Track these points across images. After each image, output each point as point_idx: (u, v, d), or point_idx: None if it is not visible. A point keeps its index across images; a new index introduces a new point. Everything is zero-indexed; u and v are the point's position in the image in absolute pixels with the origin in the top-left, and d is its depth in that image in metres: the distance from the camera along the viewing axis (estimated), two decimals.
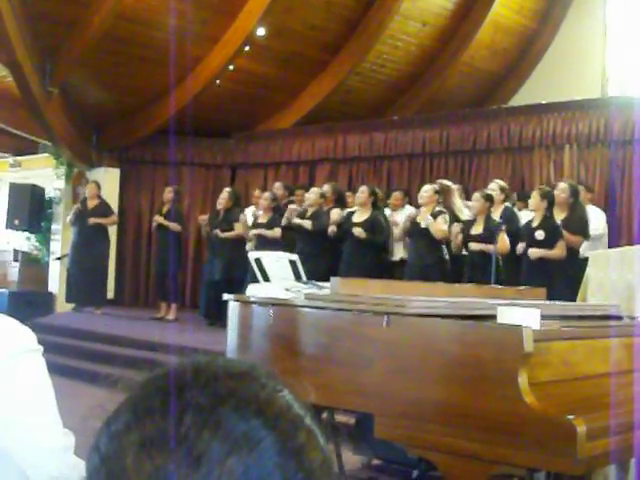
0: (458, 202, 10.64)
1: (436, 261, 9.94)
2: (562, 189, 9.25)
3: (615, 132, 11.44)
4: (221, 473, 0.78)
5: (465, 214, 10.23)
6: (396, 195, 11.92)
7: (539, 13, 16.49)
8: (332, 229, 10.79)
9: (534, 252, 8.81)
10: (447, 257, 10.05)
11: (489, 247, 9.03)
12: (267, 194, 11.96)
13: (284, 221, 11.34)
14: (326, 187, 11.88)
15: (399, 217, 11.13)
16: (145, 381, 0.87)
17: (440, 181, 10.88)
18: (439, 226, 9.83)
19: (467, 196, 11.71)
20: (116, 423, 0.84)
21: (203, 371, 0.86)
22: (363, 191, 10.72)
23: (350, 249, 10.60)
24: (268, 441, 0.80)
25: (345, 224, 10.74)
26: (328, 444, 0.88)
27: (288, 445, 0.82)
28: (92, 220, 13.10)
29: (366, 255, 10.46)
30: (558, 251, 8.77)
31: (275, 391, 0.87)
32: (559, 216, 9.14)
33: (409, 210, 11.33)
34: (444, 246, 10.00)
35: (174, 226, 12.77)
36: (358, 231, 10.45)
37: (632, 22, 16.17)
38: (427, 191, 10.18)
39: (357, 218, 10.63)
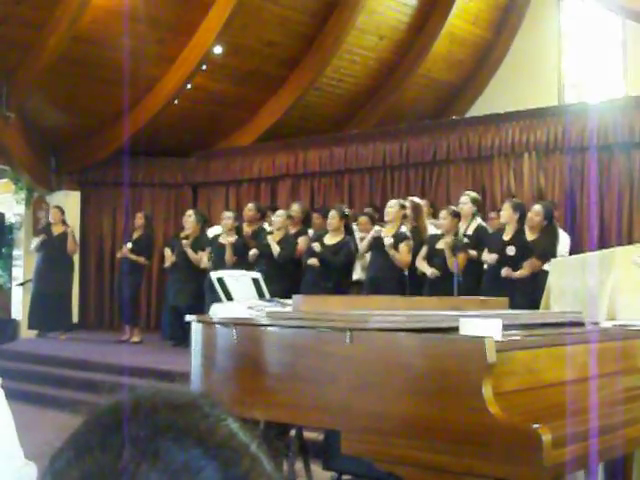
0: (424, 222, 10.59)
1: (395, 276, 9.88)
2: (536, 212, 9.17)
3: (572, 139, 11.53)
4: None
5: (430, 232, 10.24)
6: (362, 220, 11.65)
7: (494, 23, 16.63)
8: (313, 262, 10.62)
9: (507, 273, 8.78)
10: (406, 272, 10.01)
11: (450, 261, 9.07)
12: (229, 214, 11.84)
13: (251, 257, 11.19)
14: (295, 207, 11.82)
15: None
16: (88, 417, 0.86)
17: (411, 199, 10.84)
18: (404, 257, 9.78)
19: (434, 210, 11.70)
20: (59, 461, 0.83)
21: (143, 404, 0.85)
22: (333, 216, 10.55)
23: (313, 271, 10.51)
24: (209, 470, 0.79)
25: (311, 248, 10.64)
26: (276, 470, 0.87)
27: (231, 473, 0.80)
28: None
29: (329, 277, 10.37)
30: (525, 272, 8.77)
31: (218, 420, 0.86)
32: (530, 236, 9.12)
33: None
34: None
35: (142, 261, 12.74)
36: (312, 262, 10.40)
37: (586, 29, 16.34)
38: (393, 207, 10.09)
39: (328, 240, 10.52)
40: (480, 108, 16.13)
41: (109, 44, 12.66)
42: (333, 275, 10.43)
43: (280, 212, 11.59)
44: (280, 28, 14.25)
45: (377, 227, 10.57)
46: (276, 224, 11.26)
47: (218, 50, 13.68)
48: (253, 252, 11.12)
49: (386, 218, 10.18)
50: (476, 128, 12.69)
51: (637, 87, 14.01)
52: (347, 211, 11.03)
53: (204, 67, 13.82)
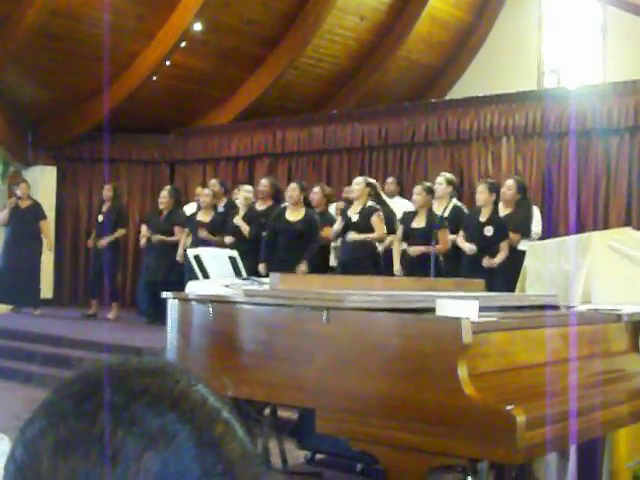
0: (384, 200, 10.47)
1: (369, 255, 9.74)
2: (509, 186, 9.23)
3: (551, 124, 11.56)
4: (138, 469, 0.77)
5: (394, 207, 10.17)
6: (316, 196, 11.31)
7: (475, 6, 16.61)
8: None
9: (488, 262, 8.72)
10: (380, 250, 9.89)
11: (429, 248, 8.86)
12: (207, 191, 11.80)
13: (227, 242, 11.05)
14: (264, 181, 11.71)
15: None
16: (58, 386, 0.86)
17: (366, 178, 10.63)
18: (379, 229, 9.65)
19: (402, 188, 11.80)
20: (30, 430, 0.83)
21: (115, 371, 0.86)
22: (294, 189, 10.34)
23: (284, 246, 10.34)
24: (184, 434, 0.80)
25: (277, 222, 10.45)
26: (248, 437, 0.88)
27: (205, 437, 0.81)
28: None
29: (302, 252, 10.24)
30: (503, 255, 8.76)
31: (190, 385, 0.86)
32: (504, 211, 9.15)
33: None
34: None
35: (119, 232, 12.71)
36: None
37: (567, 14, 16.36)
38: (359, 184, 9.91)
39: (290, 216, 10.28)
40: (460, 91, 16.14)
41: (88, 19, 12.56)
42: (304, 248, 10.32)
43: (247, 188, 11.50)
44: (261, 6, 14.18)
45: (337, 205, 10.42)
46: (241, 200, 11.20)
47: (198, 27, 13.60)
48: (229, 239, 11.03)
49: (351, 195, 10.08)
50: (455, 111, 12.69)
51: (616, 73, 14.05)
52: (305, 185, 10.87)
53: (183, 44, 13.73)
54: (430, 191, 9.57)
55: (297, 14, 14.66)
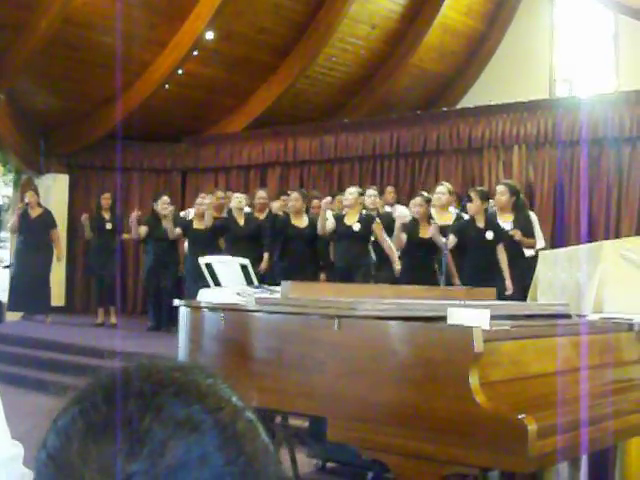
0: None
1: (368, 262, 9.72)
2: (500, 192, 9.20)
3: (563, 133, 11.55)
4: (163, 453, 0.80)
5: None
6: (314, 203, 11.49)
7: (487, 15, 16.61)
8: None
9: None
10: (374, 259, 9.83)
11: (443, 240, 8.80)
12: (207, 214, 11.58)
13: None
14: (261, 193, 11.63)
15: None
16: (90, 381, 0.90)
17: (358, 188, 10.54)
18: (380, 235, 9.66)
19: (398, 195, 11.84)
20: (62, 419, 0.87)
21: (147, 366, 0.90)
22: (297, 199, 10.63)
23: (298, 252, 10.49)
24: (209, 424, 0.83)
25: (288, 229, 10.58)
26: (269, 439, 0.91)
27: (229, 430, 0.85)
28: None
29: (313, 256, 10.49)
30: (504, 258, 8.72)
31: (217, 383, 0.90)
32: (506, 219, 9.08)
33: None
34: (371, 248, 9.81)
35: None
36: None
37: (579, 23, 16.35)
38: (352, 193, 9.88)
39: (298, 223, 10.51)
40: (471, 100, 16.12)
41: (101, 27, 12.60)
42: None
43: (237, 195, 11.53)
44: (272, 15, 14.21)
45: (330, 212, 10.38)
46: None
47: (210, 36, 13.63)
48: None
49: (345, 203, 10.03)
50: (467, 119, 12.70)
51: (629, 82, 14.03)
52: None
53: (195, 53, 13.77)
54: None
55: (309, 23, 14.69)
